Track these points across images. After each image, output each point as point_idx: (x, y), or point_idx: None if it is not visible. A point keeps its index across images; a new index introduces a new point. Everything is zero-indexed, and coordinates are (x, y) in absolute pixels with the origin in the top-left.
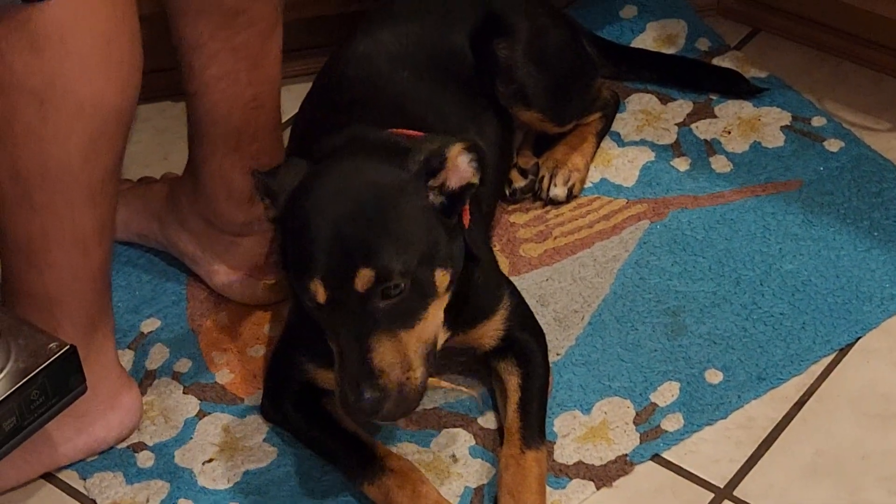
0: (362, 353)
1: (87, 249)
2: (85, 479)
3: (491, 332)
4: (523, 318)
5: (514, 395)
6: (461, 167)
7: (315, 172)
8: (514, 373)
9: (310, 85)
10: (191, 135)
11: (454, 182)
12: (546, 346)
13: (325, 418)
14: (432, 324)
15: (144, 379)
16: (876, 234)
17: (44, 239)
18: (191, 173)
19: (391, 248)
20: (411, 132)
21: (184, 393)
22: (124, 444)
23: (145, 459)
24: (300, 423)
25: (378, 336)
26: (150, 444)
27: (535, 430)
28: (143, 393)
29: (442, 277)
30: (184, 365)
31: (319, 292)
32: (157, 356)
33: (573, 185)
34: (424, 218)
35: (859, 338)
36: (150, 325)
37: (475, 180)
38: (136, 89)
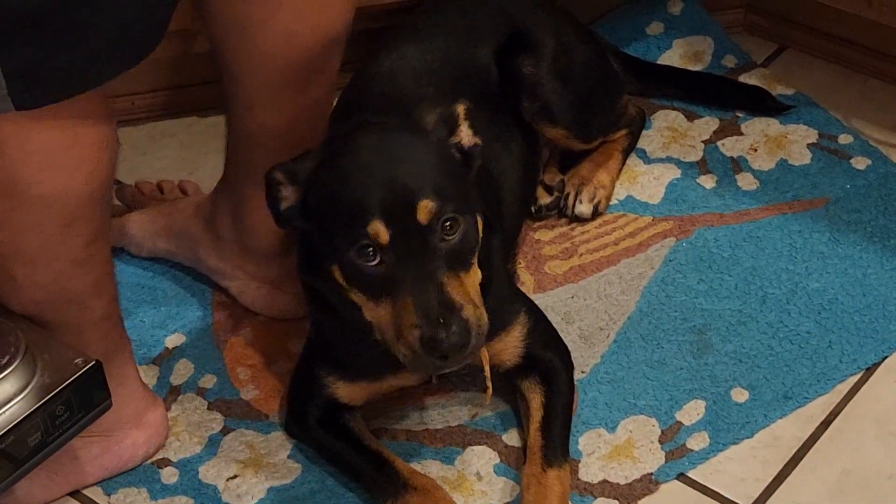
0: (438, 289)
1: (84, 306)
2: (109, 496)
3: (510, 348)
4: (545, 336)
5: (536, 414)
6: (465, 130)
7: (338, 146)
8: (538, 391)
9: (335, 102)
10: (234, 171)
11: (466, 140)
12: (571, 364)
13: (348, 435)
14: (478, 273)
15: (169, 394)
16: None
17: (37, 307)
18: (230, 204)
19: (440, 184)
20: None
21: (208, 409)
22: (149, 461)
23: (169, 475)
24: (323, 439)
25: (447, 274)
26: (175, 460)
27: (557, 449)
28: (168, 409)
29: (480, 224)
30: (209, 381)
31: (381, 232)
32: (182, 372)
33: (599, 202)
34: (455, 165)
35: (886, 357)
36: (174, 341)
37: (479, 140)
38: (106, 178)
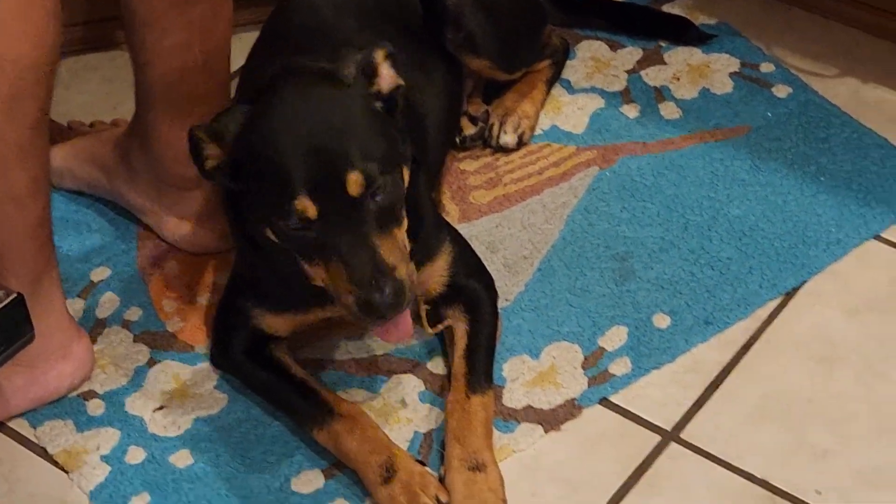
0: (371, 254)
1: (22, 205)
2: (35, 428)
3: (435, 277)
4: (469, 266)
5: (461, 342)
6: (386, 73)
7: (262, 105)
8: (462, 319)
9: (257, 34)
10: (139, 100)
11: (385, 86)
12: (495, 293)
13: (274, 365)
14: (405, 223)
15: (95, 328)
16: (822, 179)
17: None
18: (139, 132)
19: (367, 149)
20: None
21: (134, 341)
22: (75, 393)
23: (95, 407)
24: (249, 370)
25: (379, 236)
26: (101, 392)
27: (480, 376)
28: (94, 341)
29: (405, 174)
30: (134, 313)
31: (309, 208)
32: (108, 305)
33: (523, 132)
34: (378, 120)
35: (805, 282)
36: (100, 274)
37: (402, 81)
38: (53, 44)
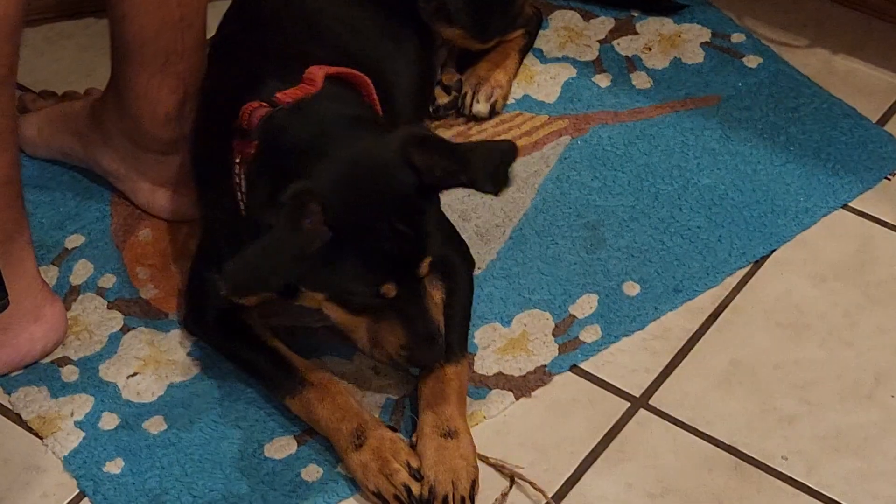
0: (423, 317)
1: None
2: (9, 394)
3: None
4: (445, 234)
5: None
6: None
7: (335, 178)
8: (437, 286)
9: (228, 2)
10: (115, 56)
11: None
12: (471, 260)
13: (246, 332)
14: None
15: (69, 294)
16: (792, 148)
17: None
18: (115, 94)
19: (433, 232)
20: (357, 76)
21: (108, 308)
22: (49, 359)
23: (70, 373)
24: (222, 337)
25: (427, 300)
26: (75, 358)
27: (454, 344)
28: (68, 308)
29: None
30: (108, 280)
31: (391, 290)
32: (82, 272)
33: (496, 101)
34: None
35: (774, 250)
36: (74, 241)
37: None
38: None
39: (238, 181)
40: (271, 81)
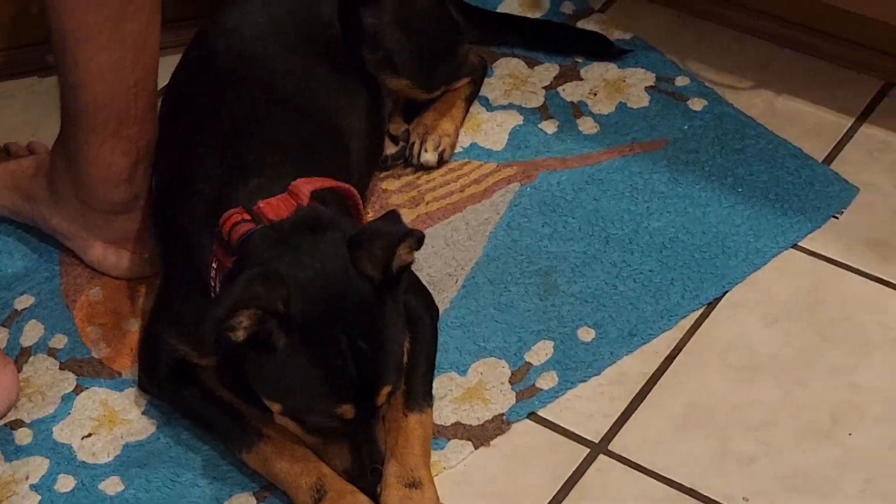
0: (372, 446)
1: None
2: None
3: None
4: (409, 283)
5: None
6: (405, 257)
7: (302, 291)
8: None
9: (179, 56)
10: (67, 121)
11: (397, 266)
12: (435, 308)
13: (200, 389)
14: None
15: (20, 356)
16: (740, 189)
17: None
18: (64, 156)
19: (398, 360)
20: (343, 189)
21: (60, 369)
22: (1, 422)
23: (23, 437)
24: (176, 394)
25: (379, 428)
26: (28, 420)
27: (419, 394)
28: (20, 370)
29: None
30: (59, 341)
31: (349, 412)
32: (32, 333)
33: (444, 150)
34: (399, 316)
35: (726, 292)
36: (23, 302)
37: (413, 259)
38: None
39: (213, 284)
40: (253, 179)
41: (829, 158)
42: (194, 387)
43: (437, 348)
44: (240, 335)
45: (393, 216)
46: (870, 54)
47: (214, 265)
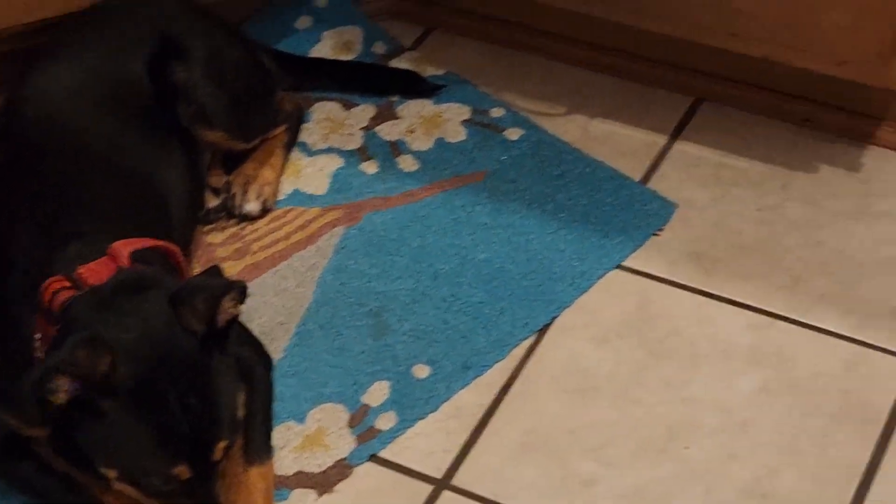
0: (213, 500)
1: None
2: None
3: None
4: (239, 334)
5: None
6: (230, 311)
7: (127, 352)
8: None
9: None
10: None
11: (223, 320)
12: (268, 357)
13: (35, 462)
14: None
15: None
16: (561, 215)
17: None
18: None
19: (233, 415)
20: (163, 247)
21: None
22: None
23: None
24: (10, 469)
25: (218, 486)
26: None
27: (258, 446)
28: None
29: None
30: None
31: (185, 473)
32: None
33: (266, 199)
34: (232, 370)
35: (556, 317)
36: None
37: (239, 312)
38: None
39: (39, 355)
40: (71, 245)
41: (647, 177)
42: (29, 460)
43: (274, 398)
44: (60, 398)
45: (214, 270)
46: (678, 73)
47: (38, 336)
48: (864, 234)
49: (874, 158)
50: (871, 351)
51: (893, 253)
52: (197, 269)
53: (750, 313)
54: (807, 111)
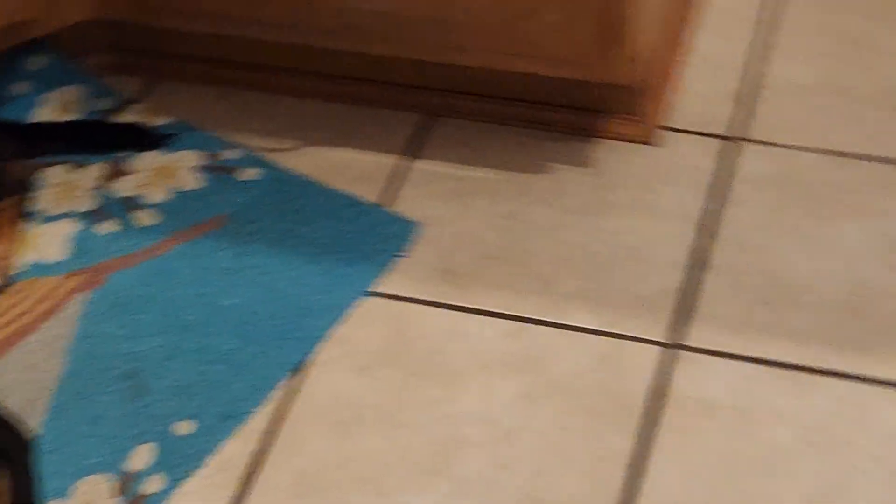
0: None
1: None
2: None
3: None
4: None
5: (2, 500)
6: None
7: None
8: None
9: None
10: None
11: None
12: (26, 439)
13: None
14: None
15: None
16: (305, 249)
17: None
18: None
19: None
20: None
21: None
22: None
23: None
24: None
25: None
26: None
27: None
28: None
29: None
30: None
31: None
32: None
33: (3, 273)
34: None
35: (311, 353)
36: None
37: None
38: None
39: None
40: None
41: (389, 200)
42: None
43: (37, 478)
44: None
45: None
46: (407, 92)
47: None
48: (604, 227)
49: (604, 151)
50: (623, 342)
51: (632, 242)
52: None
53: (504, 321)
54: (535, 114)
